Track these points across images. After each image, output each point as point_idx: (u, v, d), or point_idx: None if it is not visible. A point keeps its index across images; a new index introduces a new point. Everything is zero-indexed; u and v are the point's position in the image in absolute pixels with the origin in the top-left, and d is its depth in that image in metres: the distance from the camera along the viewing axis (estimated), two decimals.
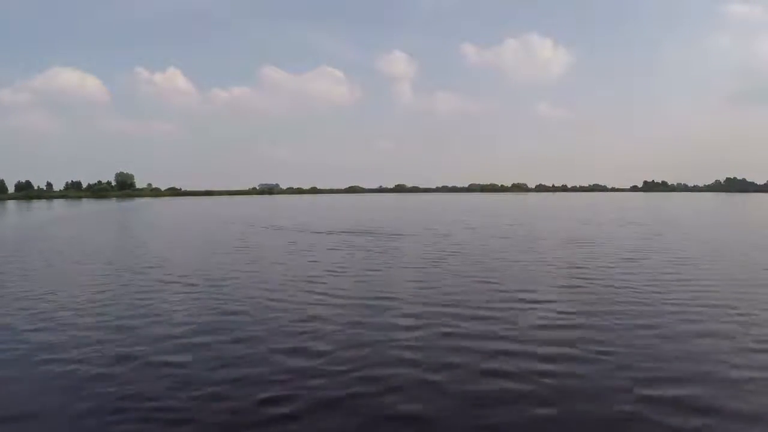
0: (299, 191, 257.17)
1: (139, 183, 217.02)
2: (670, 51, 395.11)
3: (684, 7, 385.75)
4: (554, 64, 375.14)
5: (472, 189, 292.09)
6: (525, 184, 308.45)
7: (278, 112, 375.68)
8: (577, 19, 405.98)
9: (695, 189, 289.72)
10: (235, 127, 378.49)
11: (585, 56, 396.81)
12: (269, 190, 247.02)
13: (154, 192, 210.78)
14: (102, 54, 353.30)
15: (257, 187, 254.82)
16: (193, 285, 14.58)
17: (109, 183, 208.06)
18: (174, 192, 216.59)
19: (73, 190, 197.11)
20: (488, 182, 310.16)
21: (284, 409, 6.35)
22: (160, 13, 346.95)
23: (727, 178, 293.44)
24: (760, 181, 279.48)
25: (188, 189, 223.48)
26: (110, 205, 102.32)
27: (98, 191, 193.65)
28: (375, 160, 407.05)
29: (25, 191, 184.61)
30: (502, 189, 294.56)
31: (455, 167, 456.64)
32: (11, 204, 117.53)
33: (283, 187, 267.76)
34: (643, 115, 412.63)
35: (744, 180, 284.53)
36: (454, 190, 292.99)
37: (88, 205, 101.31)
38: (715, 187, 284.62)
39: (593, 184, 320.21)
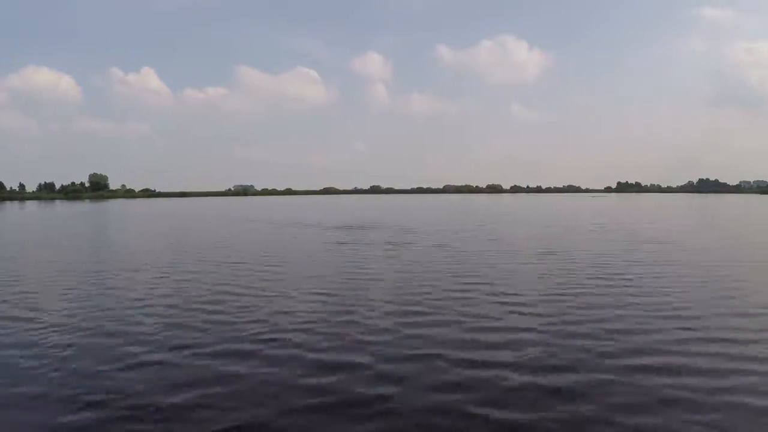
0: (274, 192, 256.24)
1: (113, 184, 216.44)
2: (644, 54, 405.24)
3: (659, 11, 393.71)
4: (529, 65, 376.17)
5: (447, 190, 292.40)
6: (500, 185, 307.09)
7: (253, 112, 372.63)
8: (553, 21, 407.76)
9: (668, 190, 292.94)
10: (210, 128, 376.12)
11: (560, 58, 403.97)
12: (244, 191, 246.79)
13: (128, 193, 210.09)
14: (76, 54, 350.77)
15: (232, 188, 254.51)
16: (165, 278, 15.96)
17: (82, 184, 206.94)
18: (148, 193, 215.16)
19: (46, 192, 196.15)
20: (463, 183, 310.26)
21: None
22: (136, 13, 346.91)
23: (699, 179, 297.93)
24: (732, 182, 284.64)
25: (162, 190, 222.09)
26: (84, 207, 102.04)
27: (71, 192, 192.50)
28: (350, 161, 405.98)
29: None
30: (477, 190, 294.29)
31: (430, 168, 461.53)
32: None
33: (258, 188, 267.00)
34: (617, 117, 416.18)
35: (716, 181, 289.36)
36: (429, 191, 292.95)
37: (61, 207, 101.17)
38: (688, 188, 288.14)
39: (567, 185, 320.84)
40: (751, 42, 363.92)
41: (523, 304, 11.66)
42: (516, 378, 7.11)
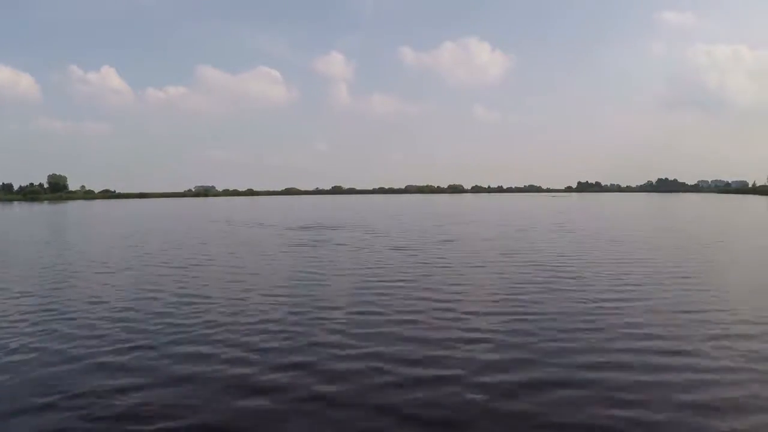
0: (235, 193, 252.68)
1: (73, 185, 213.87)
2: (605, 57, 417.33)
3: (620, 15, 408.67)
4: (492, 67, 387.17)
5: (408, 190, 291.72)
6: (461, 186, 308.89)
7: (215, 112, 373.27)
8: (516, 24, 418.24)
9: (628, 189, 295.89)
10: (171, 128, 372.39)
11: (522, 61, 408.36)
12: (205, 192, 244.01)
13: (87, 194, 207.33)
14: (35, 51, 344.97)
15: (193, 189, 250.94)
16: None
17: (41, 185, 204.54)
18: (108, 194, 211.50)
19: (4, 193, 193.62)
20: (425, 183, 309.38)
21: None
22: (96, 11, 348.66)
23: (658, 179, 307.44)
24: (690, 182, 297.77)
25: (122, 191, 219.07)
26: (42, 208, 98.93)
27: (30, 194, 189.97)
28: (312, 162, 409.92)
29: None
30: (439, 190, 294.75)
31: (393, 169, 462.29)
32: None
33: (220, 189, 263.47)
34: (578, 118, 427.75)
35: (675, 181, 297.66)
36: (391, 191, 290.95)
37: (19, 209, 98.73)
38: (647, 188, 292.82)
39: (529, 185, 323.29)
40: (710, 45, 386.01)
41: (476, 303, 11.85)
42: (464, 376, 7.19)
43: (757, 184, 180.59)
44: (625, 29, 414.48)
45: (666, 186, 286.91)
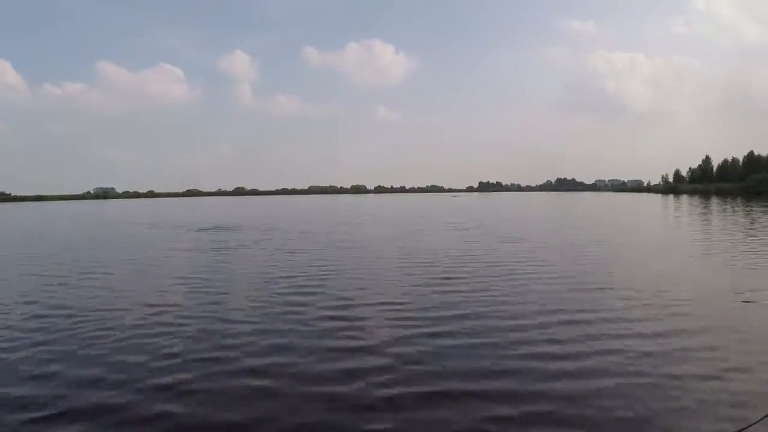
0: (136, 195, 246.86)
1: None
2: (507, 61, 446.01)
3: (524, 21, 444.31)
4: (395, 69, 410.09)
5: (311, 191, 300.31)
6: (364, 186, 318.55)
7: (115, 110, 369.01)
8: (420, 27, 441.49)
9: (528, 189, 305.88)
10: (69, 127, 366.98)
11: (425, 63, 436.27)
12: (104, 194, 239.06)
13: None
14: None
15: (92, 191, 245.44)
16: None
17: None
18: (1, 197, 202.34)
19: None
20: (328, 184, 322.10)
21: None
22: None
23: (558, 178, 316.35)
24: (588, 181, 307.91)
25: (17, 194, 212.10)
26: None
27: None
28: (215, 162, 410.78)
29: None
30: (342, 191, 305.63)
31: (296, 169, 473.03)
32: None
33: (120, 191, 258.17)
34: (480, 119, 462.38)
35: (573, 180, 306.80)
36: (294, 192, 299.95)
37: None
38: (547, 187, 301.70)
39: (431, 185, 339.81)
40: (610, 52, 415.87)
41: (372, 302, 11.38)
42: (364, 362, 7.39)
43: (651, 183, 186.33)
44: (527, 35, 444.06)
45: (564, 185, 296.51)
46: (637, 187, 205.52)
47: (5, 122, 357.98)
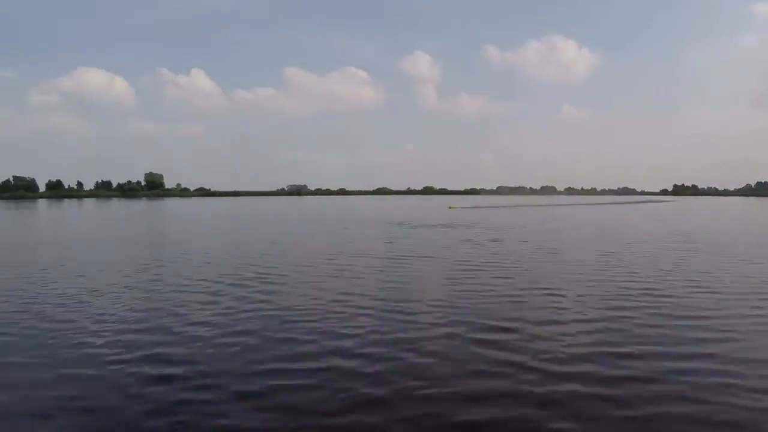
0: (328, 192, 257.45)
1: (168, 183, 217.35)
2: (698, 52, 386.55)
3: (711, 9, 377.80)
4: (578, 65, 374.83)
5: (500, 191, 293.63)
6: (554, 187, 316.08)
7: (303, 112, 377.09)
8: (602, 21, 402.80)
9: (725, 193, 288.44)
10: (260, 128, 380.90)
11: (610, 58, 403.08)
12: (298, 191, 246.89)
13: (183, 192, 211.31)
14: (126, 55, 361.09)
15: (286, 188, 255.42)
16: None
17: (138, 183, 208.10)
18: (203, 192, 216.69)
19: (104, 190, 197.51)
20: (517, 184, 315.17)
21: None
22: (188, 14, 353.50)
23: (757, 182, 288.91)
24: None
25: (217, 189, 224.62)
26: (144, 206, 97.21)
27: (128, 191, 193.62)
28: (401, 162, 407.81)
29: (56, 190, 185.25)
30: (531, 191, 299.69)
31: (482, 169, 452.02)
32: (42, 203, 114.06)
33: (311, 188, 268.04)
34: (670, 117, 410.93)
35: None
36: (483, 192, 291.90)
37: (126, 206, 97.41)
38: (746, 191, 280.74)
39: (622, 188, 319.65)
40: None
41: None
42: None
43: None
44: (715, 23, 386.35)
45: (766, 189, 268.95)
46: None
47: (203, 124, 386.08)
